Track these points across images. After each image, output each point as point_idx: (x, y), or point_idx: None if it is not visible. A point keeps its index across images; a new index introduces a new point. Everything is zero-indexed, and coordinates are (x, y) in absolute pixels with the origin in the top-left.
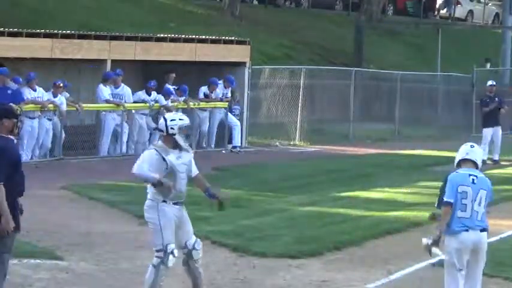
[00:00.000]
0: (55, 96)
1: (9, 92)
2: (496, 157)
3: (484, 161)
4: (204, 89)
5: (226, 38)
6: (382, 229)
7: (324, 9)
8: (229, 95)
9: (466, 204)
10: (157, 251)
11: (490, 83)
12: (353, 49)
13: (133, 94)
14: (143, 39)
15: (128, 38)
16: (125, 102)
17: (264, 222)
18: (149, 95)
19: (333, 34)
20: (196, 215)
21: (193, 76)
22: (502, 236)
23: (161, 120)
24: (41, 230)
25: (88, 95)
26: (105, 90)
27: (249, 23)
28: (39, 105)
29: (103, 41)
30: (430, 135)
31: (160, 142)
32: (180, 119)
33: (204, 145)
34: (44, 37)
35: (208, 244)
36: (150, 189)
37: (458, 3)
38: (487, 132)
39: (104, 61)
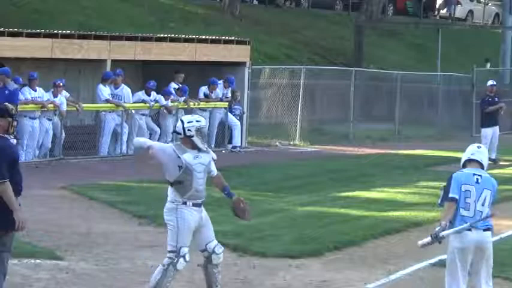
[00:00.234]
0: (55, 96)
1: (6, 92)
2: (494, 156)
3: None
4: (204, 89)
5: (226, 38)
6: (382, 229)
7: (324, 9)
8: (229, 95)
9: (469, 203)
10: (170, 251)
11: (490, 83)
12: (353, 49)
13: (133, 94)
14: (143, 39)
15: (128, 38)
16: (124, 102)
17: (264, 222)
18: (149, 95)
19: (333, 34)
20: None
21: (193, 76)
22: (502, 236)
23: (178, 123)
24: (41, 230)
25: (88, 95)
26: (104, 90)
27: (249, 23)
28: (39, 105)
29: (103, 41)
30: (430, 135)
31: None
32: (197, 121)
33: None
34: (44, 37)
35: None
36: (170, 191)
37: (458, 3)
38: (488, 132)
39: (104, 61)
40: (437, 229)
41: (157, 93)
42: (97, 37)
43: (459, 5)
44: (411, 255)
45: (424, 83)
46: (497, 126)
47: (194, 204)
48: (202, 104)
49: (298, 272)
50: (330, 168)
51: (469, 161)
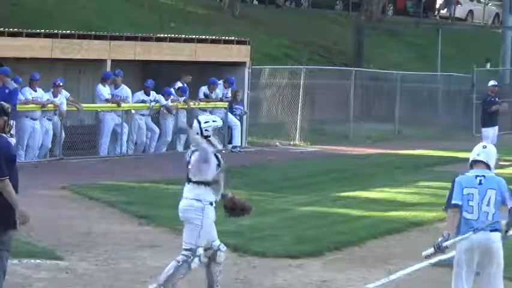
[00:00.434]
0: (55, 96)
1: (6, 91)
2: None
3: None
4: (204, 89)
5: (226, 38)
6: (382, 229)
7: (324, 9)
8: (229, 95)
9: (472, 206)
10: (186, 249)
11: (492, 83)
12: (353, 49)
13: (132, 95)
14: (143, 39)
15: (128, 38)
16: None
17: (264, 222)
18: (148, 95)
19: (333, 34)
20: None
21: (193, 76)
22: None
23: (195, 123)
24: (41, 230)
25: (88, 95)
26: (104, 90)
27: (249, 23)
28: (40, 105)
29: (103, 41)
30: (430, 135)
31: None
32: (213, 121)
33: None
34: (44, 37)
35: None
36: (200, 190)
37: (458, 3)
38: (489, 132)
39: (104, 61)
40: (440, 239)
41: (157, 93)
42: (97, 37)
43: (459, 5)
44: (411, 255)
45: (424, 83)
46: (497, 126)
47: (212, 204)
48: (202, 104)
49: (298, 272)
50: (330, 168)
51: (475, 161)
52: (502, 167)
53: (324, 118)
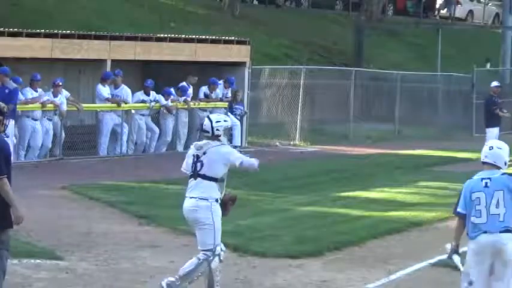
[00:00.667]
0: (55, 96)
1: (6, 91)
2: None
3: None
4: (204, 89)
5: (226, 38)
6: (382, 229)
7: (324, 9)
8: (229, 95)
9: (480, 210)
10: (205, 250)
11: (496, 84)
12: (353, 49)
13: (132, 95)
14: (143, 39)
15: (128, 38)
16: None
17: (264, 222)
18: (148, 94)
19: (333, 34)
20: None
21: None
22: None
23: (206, 121)
24: (41, 230)
25: (88, 95)
26: (104, 90)
27: (249, 23)
28: (40, 105)
29: (103, 41)
30: (430, 135)
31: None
32: (224, 120)
33: None
34: (44, 37)
35: None
36: (204, 186)
37: (458, 3)
38: (494, 132)
39: (104, 61)
40: (448, 249)
41: (157, 93)
42: (97, 37)
43: (459, 5)
44: (411, 255)
45: (424, 83)
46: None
47: (217, 201)
48: (202, 104)
49: (298, 272)
50: (330, 168)
51: (483, 163)
52: None
53: (324, 118)
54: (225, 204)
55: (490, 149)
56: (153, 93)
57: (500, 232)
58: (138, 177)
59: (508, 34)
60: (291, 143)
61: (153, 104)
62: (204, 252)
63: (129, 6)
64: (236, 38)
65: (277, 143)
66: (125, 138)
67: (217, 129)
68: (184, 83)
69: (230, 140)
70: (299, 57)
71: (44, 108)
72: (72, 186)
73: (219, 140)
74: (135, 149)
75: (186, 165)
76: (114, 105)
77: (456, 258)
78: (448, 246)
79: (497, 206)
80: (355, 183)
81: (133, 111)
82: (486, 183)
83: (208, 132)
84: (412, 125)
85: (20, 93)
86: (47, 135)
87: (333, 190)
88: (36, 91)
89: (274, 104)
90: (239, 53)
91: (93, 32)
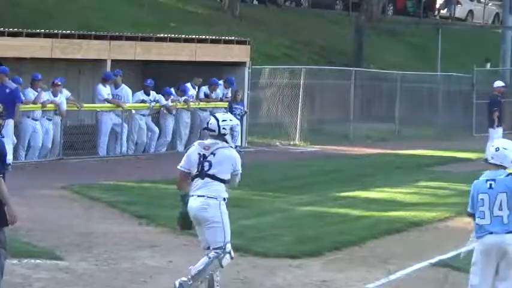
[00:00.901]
0: (55, 95)
1: (7, 90)
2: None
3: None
4: (204, 89)
5: (226, 38)
6: (382, 229)
7: (324, 9)
8: (229, 95)
9: (483, 212)
10: (215, 248)
11: (501, 84)
12: (353, 49)
13: (132, 95)
14: (143, 39)
15: (128, 38)
16: (125, 102)
17: (264, 222)
18: (148, 94)
19: (333, 34)
20: None
21: (193, 76)
22: None
23: (212, 120)
24: (41, 230)
25: (88, 95)
26: (104, 90)
27: (249, 23)
28: (40, 106)
29: (103, 41)
30: (430, 135)
31: (211, 140)
32: (230, 120)
33: None
34: (44, 37)
35: None
36: (213, 185)
37: (458, 3)
38: (499, 132)
39: (103, 61)
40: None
41: (158, 93)
42: (97, 37)
43: (459, 5)
44: (411, 255)
45: (424, 83)
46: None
47: (225, 200)
48: (203, 104)
49: (298, 272)
50: (330, 168)
51: (490, 164)
52: None
53: (324, 118)
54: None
55: (496, 150)
56: (153, 93)
57: (506, 233)
58: (138, 177)
59: (508, 34)
60: (291, 143)
61: (153, 104)
62: (215, 250)
63: (129, 6)
64: (236, 38)
65: (277, 143)
66: (124, 138)
67: (223, 128)
68: (188, 84)
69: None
70: (299, 57)
71: (44, 108)
72: (72, 186)
73: (225, 140)
74: (135, 149)
75: (187, 163)
76: (114, 105)
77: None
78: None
79: (500, 208)
80: (355, 183)
81: (133, 111)
82: (490, 184)
83: (214, 131)
84: (412, 125)
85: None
86: (47, 135)
87: (333, 190)
88: (37, 91)
89: (274, 104)
90: (239, 53)
91: (93, 32)
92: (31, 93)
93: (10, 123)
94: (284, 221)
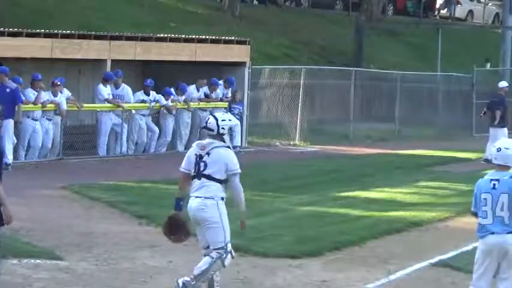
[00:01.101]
0: (55, 95)
1: (7, 90)
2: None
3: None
4: (204, 89)
5: (226, 38)
6: (382, 229)
7: (324, 9)
8: (229, 95)
9: (486, 211)
10: (217, 248)
11: (505, 84)
12: (353, 49)
13: (132, 95)
14: (143, 39)
15: (128, 38)
16: (126, 102)
17: (264, 222)
18: (148, 94)
19: (333, 34)
20: None
21: (194, 76)
22: None
23: (211, 120)
24: (41, 230)
25: (88, 95)
26: (104, 90)
27: (249, 23)
28: (40, 106)
29: (103, 41)
30: (430, 135)
31: (208, 139)
32: (229, 120)
33: None
34: (44, 37)
35: None
36: (210, 185)
37: (458, 3)
38: (505, 132)
39: (103, 61)
40: None
41: (158, 93)
42: (97, 37)
43: (459, 5)
44: (411, 255)
45: (424, 83)
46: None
47: (223, 199)
48: (203, 104)
49: (298, 272)
50: (330, 168)
51: (494, 164)
52: None
53: (324, 118)
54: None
55: (498, 151)
56: (153, 93)
57: (507, 233)
58: (138, 177)
59: (508, 34)
60: (291, 143)
61: (153, 104)
62: (216, 250)
63: (129, 6)
64: (236, 38)
65: (277, 143)
66: (124, 138)
67: (222, 128)
68: (193, 86)
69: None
70: (299, 57)
71: (44, 109)
72: (72, 186)
73: (223, 140)
74: (135, 149)
75: (187, 164)
76: (114, 105)
77: None
78: None
79: (502, 208)
80: (355, 183)
81: (133, 111)
82: (494, 184)
83: (213, 130)
84: (412, 125)
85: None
86: (46, 135)
87: (333, 190)
88: (37, 91)
89: (274, 104)
90: (239, 53)
91: (93, 32)
92: (31, 93)
93: (10, 123)
94: (284, 221)
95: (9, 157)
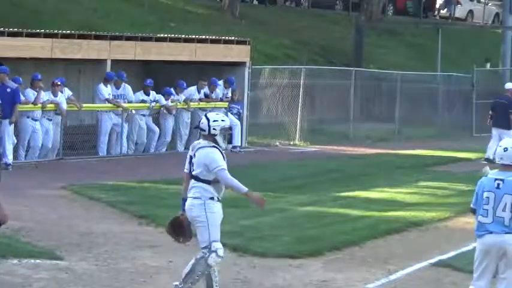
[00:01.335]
0: (55, 95)
1: (8, 90)
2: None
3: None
4: (204, 89)
5: (226, 38)
6: (382, 229)
7: (324, 9)
8: (229, 95)
9: (487, 210)
10: (203, 248)
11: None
12: (353, 49)
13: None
14: (143, 39)
15: (128, 38)
16: (128, 102)
17: (264, 222)
18: (147, 94)
19: (333, 34)
20: None
21: (194, 76)
22: None
23: (203, 120)
24: (41, 230)
25: (88, 95)
26: (105, 90)
27: (249, 23)
28: (40, 106)
29: (103, 41)
30: (430, 135)
31: (200, 140)
32: (222, 120)
33: None
34: (44, 37)
35: None
36: (198, 186)
37: (458, 3)
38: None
39: (103, 61)
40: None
41: (158, 93)
42: (97, 37)
43: (459, 5)
44: (411, 255)
45: (424, 83)
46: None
47: (218, 199)
48: (202, 104)
49: (298, 272)
50: (330, 168)
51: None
52: None
53: (324, 118)
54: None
55: (504, 151)
56: (153, 93)
57: (505, 233)
58: (138, 177)
59: (508, 34)
60: (291, 143)
61: (153, 104)
62: (202, 250)
63: (129, 6)
64: (236, 38)
65: (277, 143)
66: (124, 138)
67: (213, 129)
68: (194, 88)
69: (229, 140)
70: (299, 57)
71: (45, 109)
72: (72, 186)
73: (214, 140)
74: (135, 149)
75: (187, 165)
76: (115, 105)
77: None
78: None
79: (504, 209)
80: (355, 183)
81: (133, 111)
82: (498, 184)
83: (204, 130)
84: (412, 125)
85: (20, 93)
86: (47, 135)
87: (333, 190)
88: (37, 91)
89: (274, 104)
90: (239, 53)
91: (93, 32)
92: (31, 93)
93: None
94: (284, 221)
95: (9, 157)
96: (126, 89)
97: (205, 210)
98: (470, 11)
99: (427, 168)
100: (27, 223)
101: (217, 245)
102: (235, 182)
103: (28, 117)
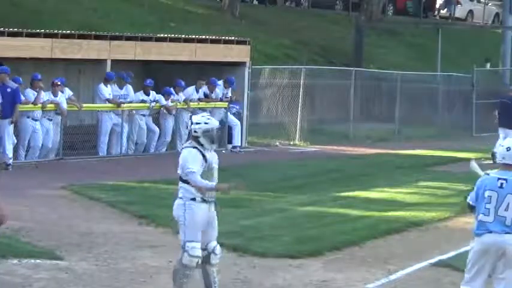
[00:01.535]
0: (55, 95)
1: (8, 90)
2: None
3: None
4: (204, 89)
5: (226, 38)
6: (382, 229)
7: (324, 9)
8: (229, 94)
9: (489, 209)
10: (181, 247)
11: None
12: (353, 49)
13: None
14: (143, 39)
15: (128, 38)
16: (130, 102)
17: (264, 222)
18: (147, 94)
19: (333, 34)
20: None
21: (194, 76)
22: None
23: (189, 121)
24: (41, 230)
25: (88, 95)
26: (105, 90)
27: (249, 23)
28: (40, 106)
29: (103, 41)
30: (430, 135)
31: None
32: (205, 123)
33: None
34: (44, 37)
35: None
36: (181, 187)
37: (458, 3)
38: None
39: (103, 61)
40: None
41: (158, 93)
42: (97, 37)
43: (459, 5)
44: (411, 255)
45: (424, 83)
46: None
47: (203, 200)
48: (202, 104)
49: (298, 272)
50: (330, 168)
51: (501, 164)
52: None
53: (324, 118)
54: None
55: (507, 150)
56: (153, 93)
57: (505, 233)
58: (138, 177)
59: (508, 34)
60: (291, 143)
61: (153, 104)
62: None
63: (129, 6)
64: (236, 38)
65: (277, 143)
66: (124, 138)
67: (195, 131)
68: (192, 88)
69: (229, 140)
70: (299, 57)
71: (45, 109)
72: (72, 186)
73: (198, 142)
74: (135, 149)
75: None
76: (115, 105)
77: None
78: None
79: (506, 209)
80: (355, 183)
81: (133, 111)
82: (502, 183)
83: (190, 131)
84: (412, 125)
85: (20, 93)
86: (47, 135)
87: (333, 190)
88: (37, 91)
89: (274, 104)
90: (239, 53)
91: (93, 32)
92: (31, 93)
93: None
94: (284, 221)
95: (9, 157)
96: (129, 88)
97: (185, 211)
98: (470, 11)
99: (427, 168)
100: (27, 223)
101: (191, 245)
102: (204, 184)
103: (28, 117)
